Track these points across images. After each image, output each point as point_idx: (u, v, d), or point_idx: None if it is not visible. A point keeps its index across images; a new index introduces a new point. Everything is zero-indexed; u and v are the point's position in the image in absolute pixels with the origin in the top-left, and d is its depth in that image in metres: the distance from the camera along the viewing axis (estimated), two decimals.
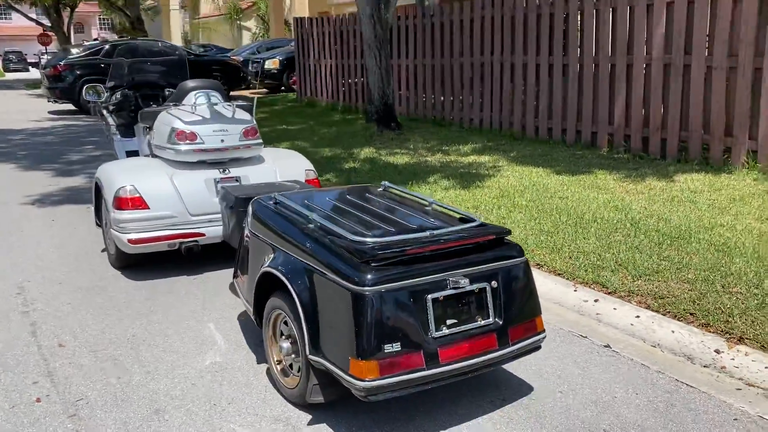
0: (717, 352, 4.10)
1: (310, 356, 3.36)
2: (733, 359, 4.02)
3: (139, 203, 5.54)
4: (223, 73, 20.64)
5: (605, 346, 4.29)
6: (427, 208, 4.08)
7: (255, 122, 6.24)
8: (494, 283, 3.41)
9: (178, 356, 4.28)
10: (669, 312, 4.56)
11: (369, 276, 3.12)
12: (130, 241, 5.54)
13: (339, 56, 16.70)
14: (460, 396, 3.73)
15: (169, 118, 6.02)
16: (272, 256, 3.79)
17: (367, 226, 3.63)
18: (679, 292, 4.76)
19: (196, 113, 6.08)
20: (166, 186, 5.73)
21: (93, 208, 6.54)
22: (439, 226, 3.62)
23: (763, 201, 6.87)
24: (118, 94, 7.97)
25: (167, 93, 7.76)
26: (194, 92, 6.43)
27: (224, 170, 5.94)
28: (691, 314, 4.49)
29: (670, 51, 9.03)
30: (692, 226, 6.05)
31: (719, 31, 8.42)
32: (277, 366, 3.86)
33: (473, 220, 3.72)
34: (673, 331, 4.37)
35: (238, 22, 43.52)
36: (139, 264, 5.99)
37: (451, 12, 13.05)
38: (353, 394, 3.18)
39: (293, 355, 3.67)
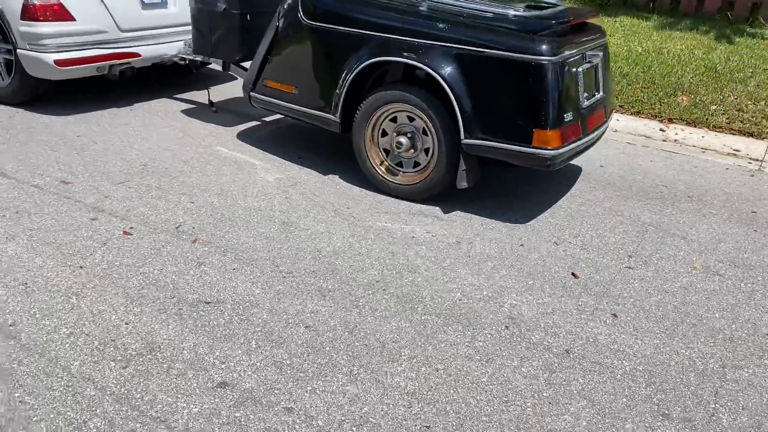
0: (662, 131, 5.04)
1: (466, 141, 3.32)
2: (676, 134, 4.97)
3: (61, 13, 4.34)
4: None
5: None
6: None
7: None
8: (601, 59, 3.68)
9: (233, 180, 3.76)
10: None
11: (545, 47, 3.14)
12: (57, 62, 4.37)
13: None
14: (547, 180, 4.07)
15: None
16: (373, 48, 3.47)
17: (498, 2, 3.52)
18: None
19: None
20: None
21: None
22: (547, 5, 3.67)
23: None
24: None
25: None
26: None
27: None
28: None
29: None
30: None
31: None
32: (380, 167, 3.68)
33: (557, 4, 3.85)
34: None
35: None
36: (43, 99, 4.79)
37: None
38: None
39: (411, 151, 3.55)
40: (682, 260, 3.18)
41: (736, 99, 5.42)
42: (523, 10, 3.35)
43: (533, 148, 3.21)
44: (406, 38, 3.40)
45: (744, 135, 4.93)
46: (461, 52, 3.27)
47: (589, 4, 9.01)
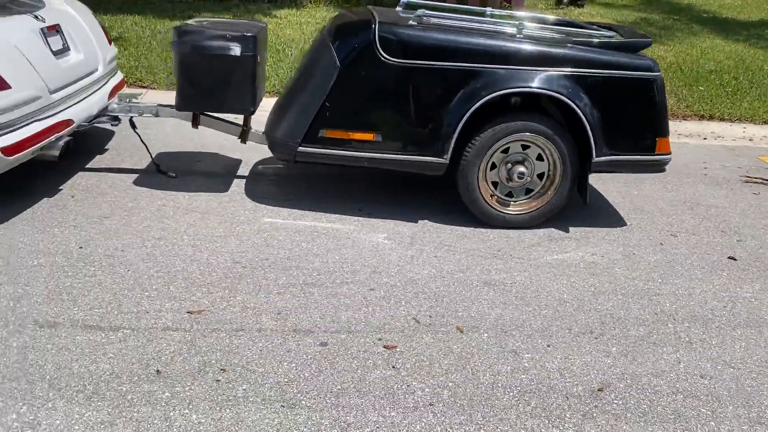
0: None
1: (597, 159, 3.46)
2: None
3: None
4: None
5: None
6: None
7: None
8: None
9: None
10: None
11: (654, 63, 3.45)
12: (5, 150, 3.03)
13: None
14: None
15: None
16: (488, 80, 3.32)
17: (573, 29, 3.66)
18: None
19: None
20: (11, 45, 3.23)
21: None
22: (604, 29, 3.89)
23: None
24: None
25: None
26: None
27: (37, 17, 3.64)
28: None
29: None
30: None
31: None
32: (491, 200, 3.56)
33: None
34: None
35: None
36: None
37: None
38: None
39: (523, 179, 3.52)
40: None
41: None
42: (614, 34, 3.59)
43: (656, 155, 3.50)
44: (523, 67, 3.33)
45: None
46: (583, 75, 3.35)
47: None
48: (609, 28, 3.80)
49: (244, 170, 4.20)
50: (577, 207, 3.76)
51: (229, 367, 2.26)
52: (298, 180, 4.07)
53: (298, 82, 3.62)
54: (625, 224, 3.76)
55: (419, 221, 3.59)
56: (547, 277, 3.07)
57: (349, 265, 3.05)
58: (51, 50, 3.55)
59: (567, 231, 3.60)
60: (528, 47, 3.36)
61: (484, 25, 3.51)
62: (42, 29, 3.53)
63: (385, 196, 3.88)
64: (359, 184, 4.04)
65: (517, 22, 3.48)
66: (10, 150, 3.02)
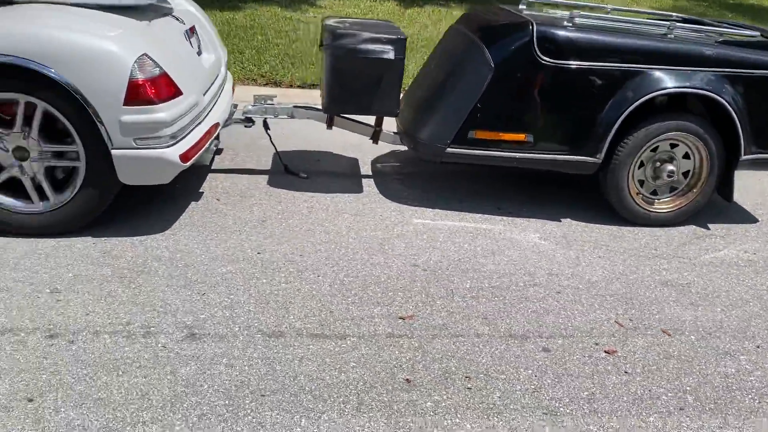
0: None
1: (745, 157, 3.51)
2: None
3: (170, 87, 2.98)
4: None
5: None
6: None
7: None
8: None
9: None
10: None
11: None
12: (183, 157, 3.02)
13: None
14: None
15: None
16: (644, 80, 3.35)
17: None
18: None
19: None
20: (173, 48, 3.22)
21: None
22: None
23: None
24: None
25: None
26: None
27: (177, 18, 3.62)
28: None
29: None
30: None
31: None
32: (637, 199, 3.60)
33: None
34: None
35: None
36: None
37: None
38: None
39: (672, 177, 3.57)
40: None
41: None
42: (757, 34, 3.63)
43: None
44: (676, 67, 3.37)
45: None
46: (734, 75, 3.40)
47: None
48: (747, 27, 3.84)
49: (365, 169, 4.21)
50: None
51: (471, 374, 2.30)
52: (422, 178, 4.08)
53: (443, 82, 3.62)
54: (756, 220, 3.82)
55: (562, 219, 3.62)
56: (717, 276, 3.12)
57: (521, 266, 3.08)
58: (196, 48, 3.54)
59: (707, 228, 3.65)
60: (680, 47, 3.40)
61: (635, 26, 3.54)
62: (185, 31, 3.51)
63: (519, 194, 3.91)
64: (486, 181, 4.06)
65: (668, 23, 3.50)
66: (185, 156, 3.01)
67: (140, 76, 2.78)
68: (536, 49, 3.32)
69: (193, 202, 3.51)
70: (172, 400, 2.07)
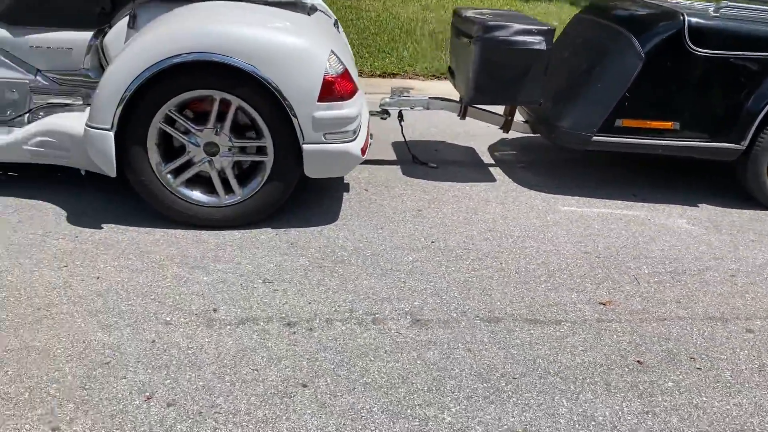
0: None
1: None
2: None
3: (351, 83, 3.06)
4: None
5: None
6: None
7: None
8: None
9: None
10: None
11: None
12: (362, 150, 3.12)
13: None
14: None
15: None
16: None
17: None
18: None
19: None
20: (337, 43, 3.30)
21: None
22: None
23: None
24: None
25: None
26: None
27: (325, 13, 3.69)
28: None
29: None
30: None
31: None
32: None
33: None
34: None
35: None
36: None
37: None
38: None
39: None
40: None
41: None
42: None
43: None
44: None
45: None
46: None
47: None
48: None
49: (486, 158, 4.30)
50: None
51: (695, 355, 2.41)
52: (544, 167, 4.17)
53: (585, 72, 3.70)
54: None
55: (699, 205, 3.73)
56: None
57: (685, 251, 3.18)
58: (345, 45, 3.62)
59: None
60: None
61: None
62: (335, 23, 3.58)
63: (648, 180, 4.01)
64: (610, 169, 4.16)
65: None
66: (364, 149, 3.10)
67: (331, 72, 2.86)
68: (687, 38, 3.40)
69: (344, 193, 3.60)
70: (433, 383, 2.17)
